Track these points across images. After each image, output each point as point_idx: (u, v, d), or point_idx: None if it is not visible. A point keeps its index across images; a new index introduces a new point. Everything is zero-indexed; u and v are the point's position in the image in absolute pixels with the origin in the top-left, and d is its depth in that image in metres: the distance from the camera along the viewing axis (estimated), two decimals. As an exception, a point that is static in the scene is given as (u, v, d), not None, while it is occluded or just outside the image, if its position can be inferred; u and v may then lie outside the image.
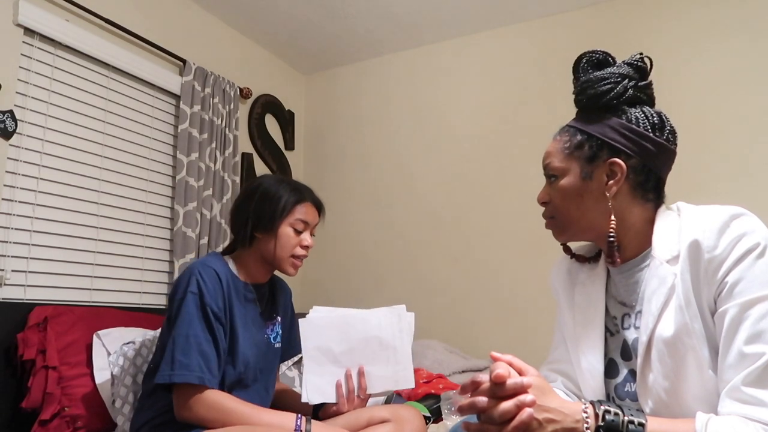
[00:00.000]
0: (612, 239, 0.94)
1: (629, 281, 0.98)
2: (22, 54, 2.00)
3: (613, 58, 1.00)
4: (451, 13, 2.90)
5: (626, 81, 0.95)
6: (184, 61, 2.63)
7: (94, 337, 1.78)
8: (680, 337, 0.85)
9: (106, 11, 2.29)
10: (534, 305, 2.62)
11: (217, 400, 1.25)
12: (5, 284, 1.89)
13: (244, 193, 1.52)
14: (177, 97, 2.62)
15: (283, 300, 1.63)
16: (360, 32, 3.11)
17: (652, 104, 0.99)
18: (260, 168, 3.12)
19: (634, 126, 0.94)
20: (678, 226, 0.91)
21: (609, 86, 0.95)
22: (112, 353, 1.62)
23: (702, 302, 0.86)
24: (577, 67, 1.02)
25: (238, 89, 2.94)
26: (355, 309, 1.50)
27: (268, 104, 3.24)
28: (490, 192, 2.90)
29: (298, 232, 1.46)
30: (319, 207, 1.54)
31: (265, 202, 1.45)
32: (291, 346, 1.64)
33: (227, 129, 2.82)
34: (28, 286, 1.96)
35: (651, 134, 0.94)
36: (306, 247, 1.48)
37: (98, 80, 2.29)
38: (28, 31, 2.02)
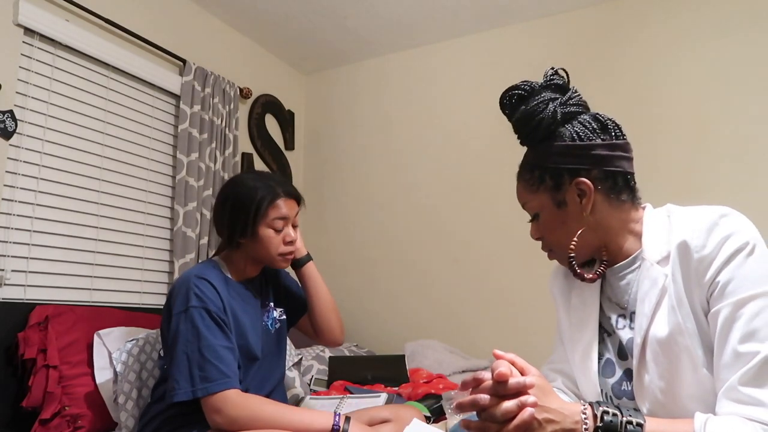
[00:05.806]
0: (572, 259, 0.99)
1: (621, 283, 1.00)
2: (22, 54, 2.01)
3: (530, 85, 1.00)
4: (452, 13, 2.90)
5: (551, 104, 0.97)
6: (184, 61, 2.63)
7: (95, 336, 1.79)
8: (674, 337, 0.86)
9: (106, 11, 2.29)
10: (534, 305, 2.63)
11: (243, 400, 1.27)
12: (5, 284, 1.89)
13: (217, 199, 1.51)
14: (177, 97, 2.62)
15: (273, 282, 1.64)
16: (360, 32, 3.11)
17: (586, 108, 1.01)
18: (260, 168, 3.11)
19: (578, 142, 0.95)
20: (668, 228, 0.93)
21: (539, 117, 0.96)
22: (116, 350, 1.63)
23: (694, 302, 0.87)
24: (503, 106, 1.03)
25: (238, 89, 2.94)
26: None
27: (268, 104, 3.24)
28: (490, 192, 2.90)
29: (279, 231, 1.45)
30: (296, 197, 1.51)
31: (237, 210, 1.43)
32: (296, 306, 1.66)
33: (227, 129, 2.82)
34: (28, 286, 1.96)
35: (597, 141, 0.95)
36: (290, 242, 1.48)
37: (98, 80, 2.29)
38: (28, 31, 2.02)
